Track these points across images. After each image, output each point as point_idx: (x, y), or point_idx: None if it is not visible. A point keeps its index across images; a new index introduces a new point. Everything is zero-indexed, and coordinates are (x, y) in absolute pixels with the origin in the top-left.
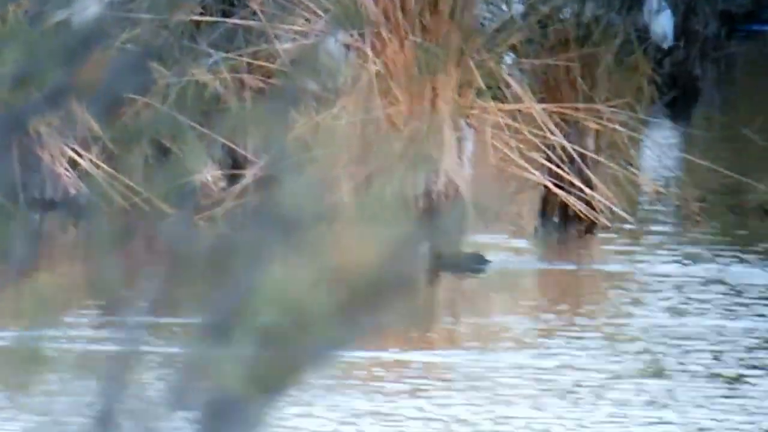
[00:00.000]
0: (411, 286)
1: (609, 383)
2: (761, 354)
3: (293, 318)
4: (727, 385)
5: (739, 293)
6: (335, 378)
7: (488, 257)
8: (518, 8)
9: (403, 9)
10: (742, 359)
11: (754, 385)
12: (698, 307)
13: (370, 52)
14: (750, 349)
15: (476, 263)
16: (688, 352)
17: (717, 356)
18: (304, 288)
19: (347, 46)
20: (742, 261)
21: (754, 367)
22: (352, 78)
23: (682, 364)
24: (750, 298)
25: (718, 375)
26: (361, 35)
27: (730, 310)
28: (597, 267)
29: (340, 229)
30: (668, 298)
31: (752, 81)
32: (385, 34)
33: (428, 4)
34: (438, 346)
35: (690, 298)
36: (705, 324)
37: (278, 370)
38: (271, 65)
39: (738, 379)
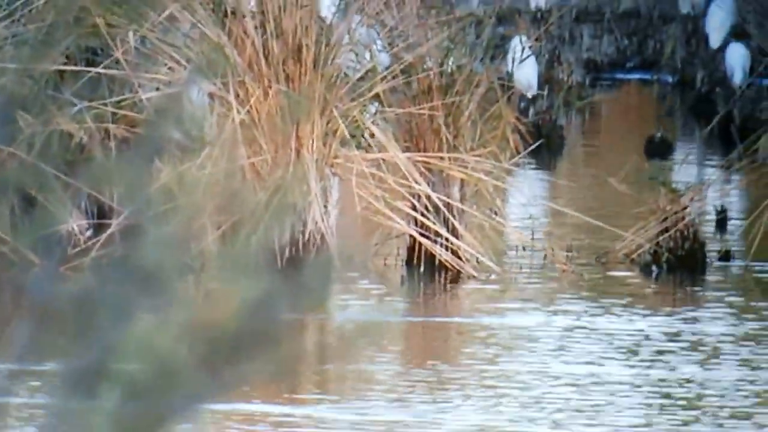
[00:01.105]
0: (275, 337)
1: None
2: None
3: (157, 370)
4: None
5: (606, 343)
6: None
7: (352, 308)
8: (382, 57)
9: (266, 58)
10: (620, 410)
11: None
12: (566, 359)
13: (234, 101)
14: (615, 397)
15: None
16: (556, 402)
17: (595, 407)
18: (168, 340)
19: (211, 96)
20: (608, 310)
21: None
22: (217, 127)
23: (558, 412)
24: (617, 347)
25: (592, 425)
26: (225, 84)
27: (599, 361)
28: (463, 318)
29: (205, 281)
30: (534, 350)
31: (617, 129)
32: (248, 83)
33: (292, 52)
34: (302, 398)
35: (557, 349)
36: (573, 373)
37: (143, 422)
38: (135, 114)
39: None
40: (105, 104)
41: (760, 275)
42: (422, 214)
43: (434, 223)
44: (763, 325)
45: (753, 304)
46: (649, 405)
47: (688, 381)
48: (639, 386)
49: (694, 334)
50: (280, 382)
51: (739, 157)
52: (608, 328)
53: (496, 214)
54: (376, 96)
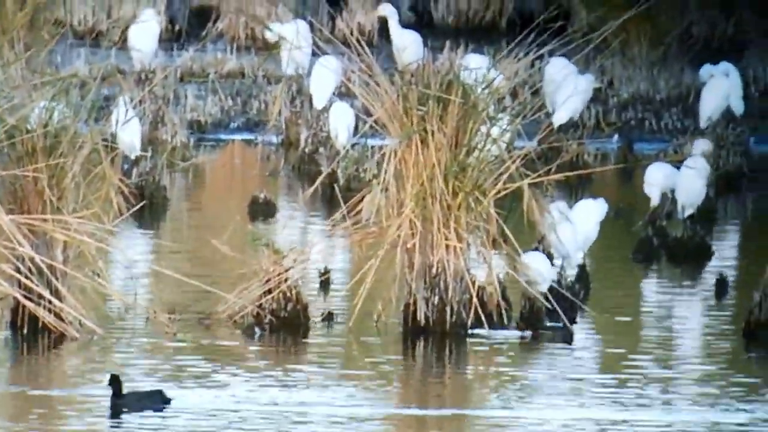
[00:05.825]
0: None
1: None
2: None
3: None
4: None
5: (193, 412)
6: None
7: None
8: None
9: None
10: None
11: None
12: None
13: None
14: None
15: None
16: None
17: None
18: None
19: None
20: (208, 375)
21: None
22: None
23: None
24: (197, 414)
25: None
26: None
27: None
28: (61, 390)
29: None
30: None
31: (221, 190)
32: None
33: None
34: None
35: (150, 417)
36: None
37: None
38: None
39: None
40: None
41: (363, 338)
42: (26, 276)
43: (37, 285)
44: (350, 392)
45: (348, 370)
46: None
47: None
48: None
49: (288, 400)
50: None
51: (343, 218)
52: (197, 395)
53: (98, 276)
54: None
